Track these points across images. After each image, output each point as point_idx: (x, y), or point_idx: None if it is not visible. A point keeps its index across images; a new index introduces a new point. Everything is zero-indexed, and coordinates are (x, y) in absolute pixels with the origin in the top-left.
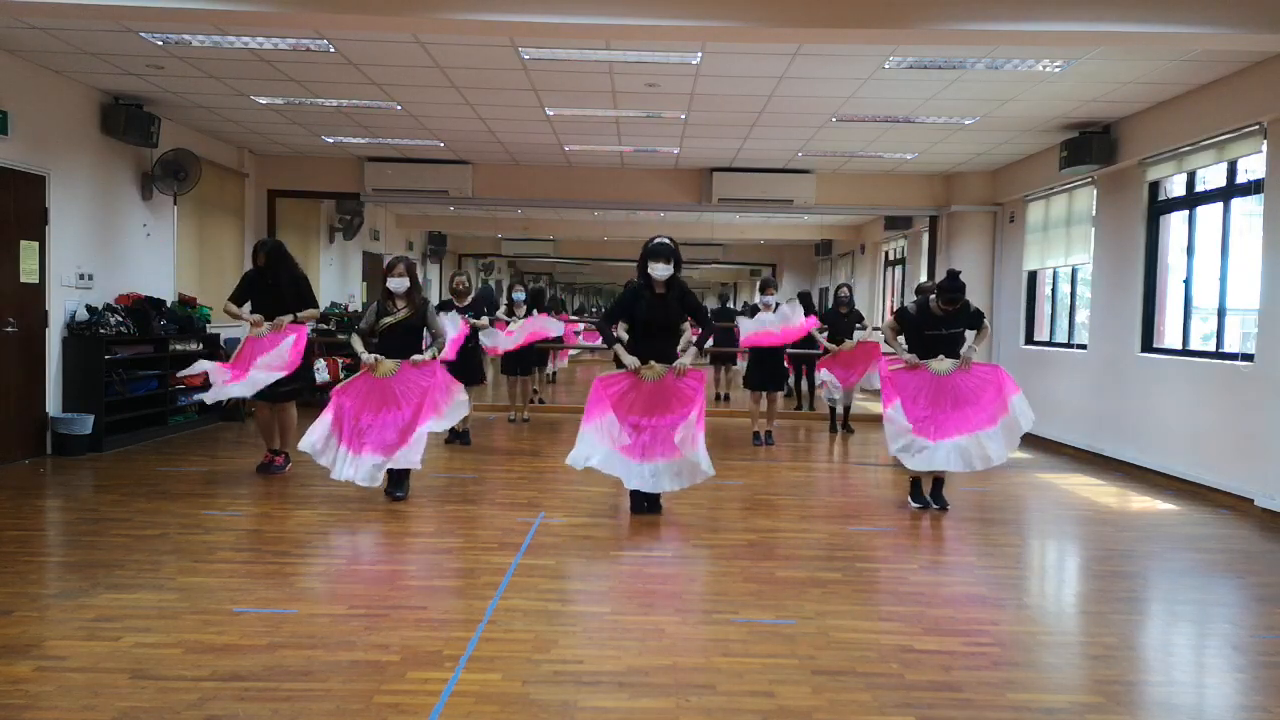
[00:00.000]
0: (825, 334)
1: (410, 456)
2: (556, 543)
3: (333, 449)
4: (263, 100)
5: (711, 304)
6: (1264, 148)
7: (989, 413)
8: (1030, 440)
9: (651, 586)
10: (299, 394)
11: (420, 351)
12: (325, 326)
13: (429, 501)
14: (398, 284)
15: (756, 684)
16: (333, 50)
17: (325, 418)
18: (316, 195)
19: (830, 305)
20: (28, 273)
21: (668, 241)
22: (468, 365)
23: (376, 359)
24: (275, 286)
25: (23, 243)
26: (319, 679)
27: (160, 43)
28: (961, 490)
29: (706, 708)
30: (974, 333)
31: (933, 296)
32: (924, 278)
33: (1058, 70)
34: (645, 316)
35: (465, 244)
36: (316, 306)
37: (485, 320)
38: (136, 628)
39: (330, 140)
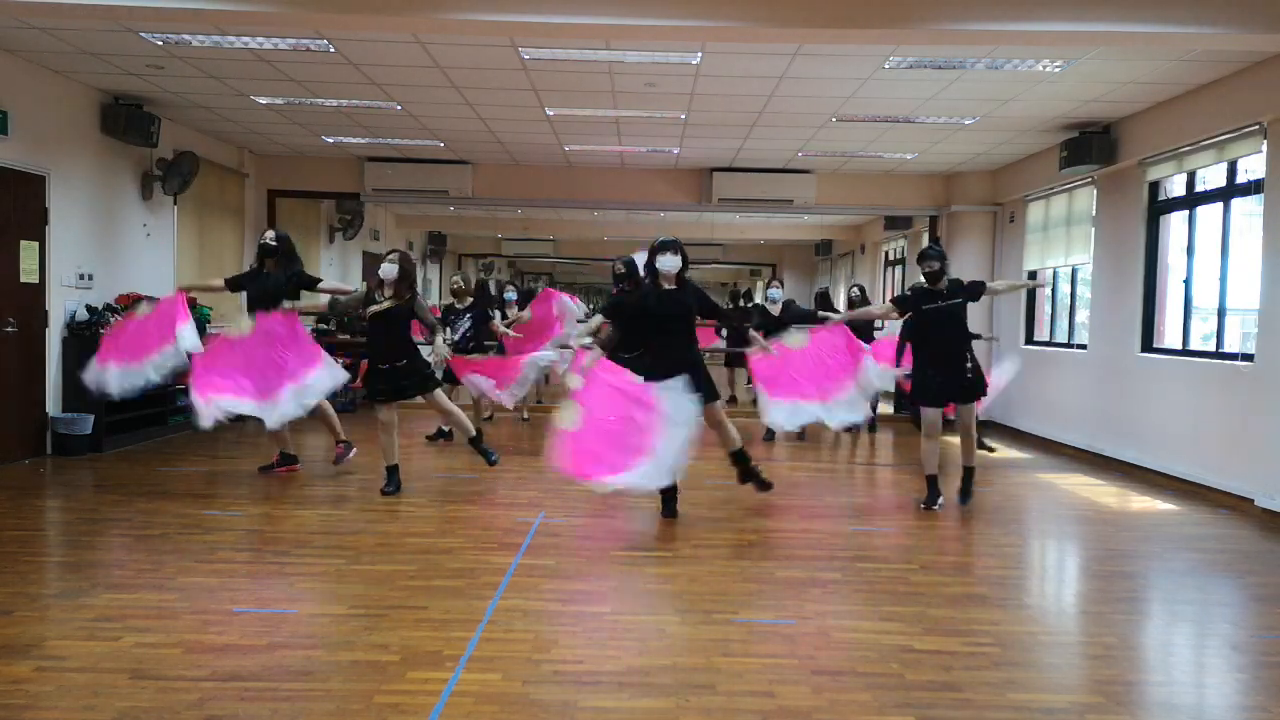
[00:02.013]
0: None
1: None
2: (556, 543)
3: None
4: (263, 100)
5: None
6: (1264, 148)
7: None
8: (1030, 440)
9: (651, 586)
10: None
11: (407, 340)
12: (326, 326)
13: (429, 501)
14: (387, 270)
15: (756, 684)
16: (333, 50)
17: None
18: (316, 195)
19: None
20: (28, 273)
21: (674, 238)
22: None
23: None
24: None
25: (23, 243)
26: (319, 679)
27: (160, 43)
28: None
29: (706, 708)
30: (1002, 281)
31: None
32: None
33: (1058, 70)
34: (656, 310)
35: (465, 244)
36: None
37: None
38: (136, 628)
39: (330, 140)
